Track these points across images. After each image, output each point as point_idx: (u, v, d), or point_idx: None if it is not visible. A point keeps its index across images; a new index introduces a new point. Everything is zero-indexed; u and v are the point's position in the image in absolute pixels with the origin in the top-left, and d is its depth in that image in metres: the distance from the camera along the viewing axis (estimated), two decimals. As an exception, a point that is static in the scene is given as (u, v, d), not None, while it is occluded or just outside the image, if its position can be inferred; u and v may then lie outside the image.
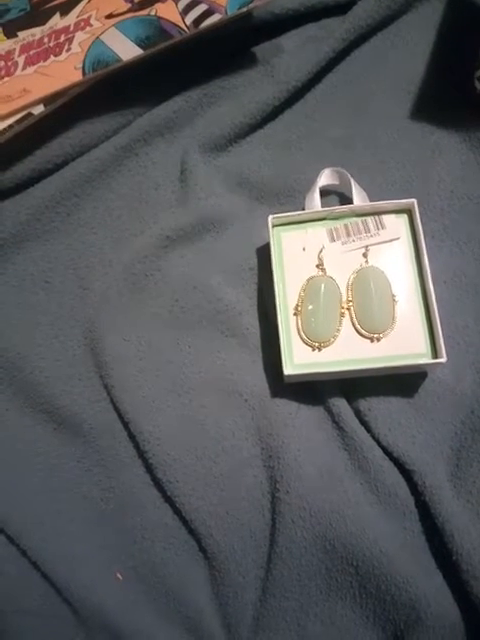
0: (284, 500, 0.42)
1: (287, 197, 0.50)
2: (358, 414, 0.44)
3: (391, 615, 0.40)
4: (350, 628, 0.41)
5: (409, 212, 0.45)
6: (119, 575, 0.43)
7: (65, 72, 0.48)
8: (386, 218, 0.46)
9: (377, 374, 0.43)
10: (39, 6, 0.50)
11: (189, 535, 0.43)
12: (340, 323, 0.44)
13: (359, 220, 0.46)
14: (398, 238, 0.45)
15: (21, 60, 0.48)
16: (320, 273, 0.45)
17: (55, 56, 0.48)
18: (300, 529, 0.41)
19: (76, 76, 0.48)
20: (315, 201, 0.47)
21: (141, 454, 0.45)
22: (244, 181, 0.51)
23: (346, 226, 0.46)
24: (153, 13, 0.49)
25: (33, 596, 0.42)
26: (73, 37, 0.49)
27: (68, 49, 0.48)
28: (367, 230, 0.45)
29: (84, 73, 0.48)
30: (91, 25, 0.49)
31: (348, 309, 0.44)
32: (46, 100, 0.48)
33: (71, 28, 0.49)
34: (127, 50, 0.48)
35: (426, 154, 0.50)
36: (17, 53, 0.49)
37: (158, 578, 0.43)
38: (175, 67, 0.52)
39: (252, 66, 0.54)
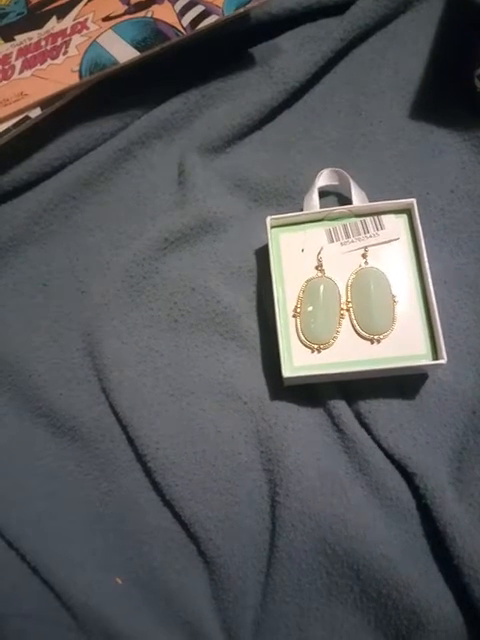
0: (284, 504, 0.42)
1: (285, 198, 0.50)
2: (358, 416, 0.44)
3: (392, 619, 0.39)
4: (351, 632, 0.40)
5: (409, 212, 0.45)
6: (118, 579, 0.43)
7: (62, 75, 0.48)
8: (385, 218, 0.45)
9: (377, 376, 0.43)
10: (36, 9, 0.50)
11: (188, 539, 0.43)
12: (339, 324, 0.43)
13: (358, 221, 0.45)
14: (397, 238, 0.45)
15: (18, 63, 0.49)
16: (319, 274, 0.45)
17: (52, 59, 0.48)
18: (300, 533, 0.41)
19: (73, 79, 0.48)
20: (314, 202, 0.46)
21: (140, 458, 0.44)
22: (242, 182, 0.51)
23: (345, 227, 0.45)
24: (149, 15, 0.49)
25: (32, 600, 0.42)
26: (70, 40, 0.49)
27: (65, 52, 0.48)
28: (366, 231, 0.45)
29: (81, 76, 0.48)
30: (88, 28, 0.49)
31: (347, 310, 0.44)
32: (43, 103, 0.48)
33: (68, 31, 0.49)
34: (124, 52, 0.48)
35: (426, 154, 0.50)
36: (14, 56, 0.49)
37: (157, 582, 0.42)
38: (172, 69, 0.52)
39: (250, 67, 0.54)
